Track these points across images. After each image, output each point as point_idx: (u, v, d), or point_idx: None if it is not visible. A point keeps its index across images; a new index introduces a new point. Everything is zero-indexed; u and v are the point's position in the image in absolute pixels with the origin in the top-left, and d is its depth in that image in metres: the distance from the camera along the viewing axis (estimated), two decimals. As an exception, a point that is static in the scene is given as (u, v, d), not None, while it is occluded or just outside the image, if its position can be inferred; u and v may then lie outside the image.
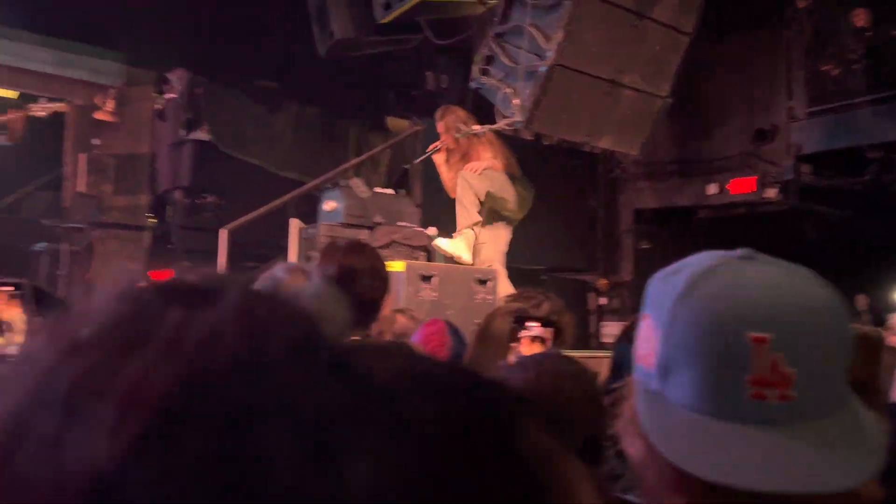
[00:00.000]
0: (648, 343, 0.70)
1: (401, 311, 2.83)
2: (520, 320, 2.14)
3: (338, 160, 7.49)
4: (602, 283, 7.99)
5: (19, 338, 1.58)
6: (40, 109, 5.14)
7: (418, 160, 5.42)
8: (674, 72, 5.05)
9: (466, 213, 4.83)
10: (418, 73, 7.07)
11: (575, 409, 1.21)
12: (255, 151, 7.26)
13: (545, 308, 2.40)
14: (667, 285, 0.70)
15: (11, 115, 4.77)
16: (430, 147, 5.11)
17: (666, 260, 0.74)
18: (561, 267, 7.85)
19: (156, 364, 0.28)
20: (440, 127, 5.00)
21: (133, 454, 0.26)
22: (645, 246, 7.91)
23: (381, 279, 2.12)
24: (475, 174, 4.82)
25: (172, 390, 0.28)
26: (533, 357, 1.70)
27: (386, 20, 5.32)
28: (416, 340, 2.60)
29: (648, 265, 5.72)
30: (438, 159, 5.13)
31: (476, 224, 4.86)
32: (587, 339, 7.22)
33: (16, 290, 1.56)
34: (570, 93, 4.66)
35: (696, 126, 7.48)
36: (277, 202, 6.39)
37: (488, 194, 4.82)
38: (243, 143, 7.19)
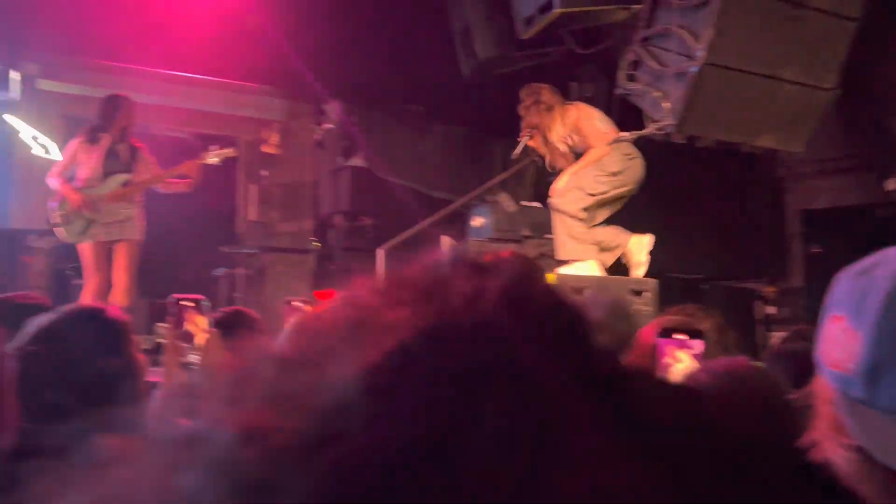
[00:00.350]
0: (843, 346, 0.64)
1: None
2: (666, 332, 2.04)
3: (484, 177, 7.61)
4: (769, 290, 7.48)
5: (200, 344, 1.75)
6: (213, 156, 5.68)
7: (517, 151, 5.25)
8: (840, 61, 4.68)
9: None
10: (562, 84, 7.03)
11: (778, 420, 1.15)
12: (407, 173, 7.54)
13: (703, 324, 2.30)
14: (863, 283, 0.64)
15: (188, 165, 5.31)
16: (521, 136, 4.98)
17: (841, 263, 0.70)
18: (722, 275, 7.44)
19: (418, 309, 0.33)
20: (523, 105, 4.91)
21: (368, 380, 0.31)
22: (816, 249, 7.33)
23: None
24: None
25: (417, 334, 0.32)
26: (725, 367, 1.60)
27: (528, 35, 5.35)
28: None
29: (821, 270, 5.31)
30: (535, 142, 4.98)
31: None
32: (755, 349, 6.80)
33: (196, 304, 1.74)
34: (725, 92, 4.45)
35: (869, 117, 6.86)
36: (428, 221, 6.60)
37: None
38: (395, 165, 7.49)
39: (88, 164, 5.11)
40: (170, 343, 1.76)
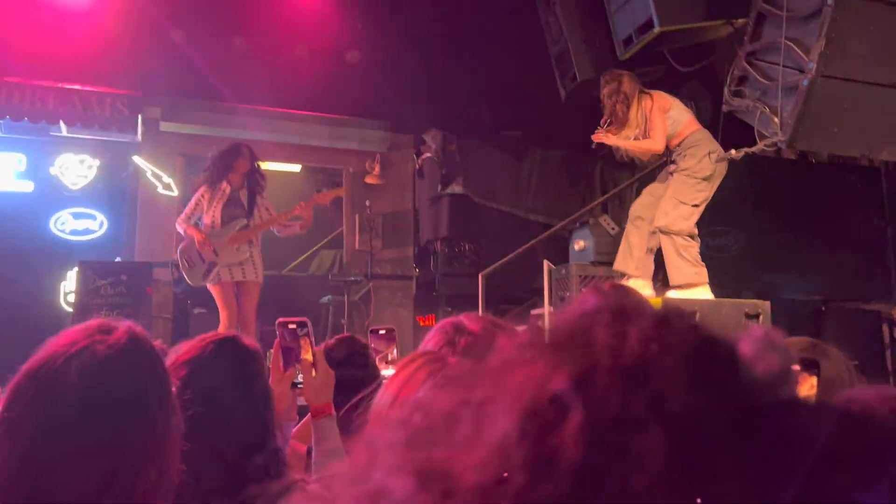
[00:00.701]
0: None
1: None
2: None
3: (584, 199, 7.54)
4: (898, 312, 6.99)
5: (306, 365, 1.83)
6: (323, 198, 5.93)
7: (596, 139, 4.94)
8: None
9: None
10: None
11: None
12: (505, 199, 7.57)
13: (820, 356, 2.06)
14: None
15: (301, 207, 5.55)
16: (600, 129, 4.78)
17: None
18: (843, 296, 6.99)
19: (566, 358, 0.35)
20: (603, 93, 4.77)
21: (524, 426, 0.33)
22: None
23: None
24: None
25: (569, 384, 0.34)
26: (878, 397, 1.37)
27: (627, 56, 5.30)
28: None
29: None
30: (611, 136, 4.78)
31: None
32: (884, 375, 6.35)
33: (299, 327, 1.82)
34: (839, 104, 4.24)
35: None
36: (528, 245, 6.58)
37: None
38: (493, 191, 7.54)
39: (211, 211, 5.45)
40: (275, 364, 1.84)
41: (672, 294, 4.52)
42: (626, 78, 4.77)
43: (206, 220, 5.43)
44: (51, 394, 0.98)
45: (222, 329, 5.15)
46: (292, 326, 1.79)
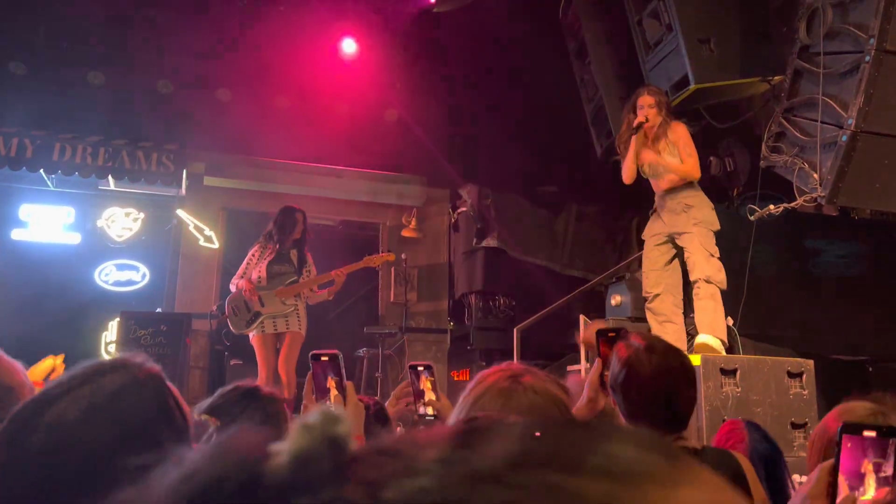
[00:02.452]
0: None
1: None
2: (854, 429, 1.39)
3: (620, 254, 7.50)
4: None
5: (335, 397, 1.86)
6: (374, 261, 6.03)
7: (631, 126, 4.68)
8: None
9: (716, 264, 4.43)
10: (701, 159, 6.89)
11: None
12: (540, 252, 7.57)
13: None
14: None
15: (337, 272, 5.71)
16: (638, 120, 4.50)
17: None
18: (892, 356, 6.75)
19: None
20: (650, 101, 4.49)
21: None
22: None
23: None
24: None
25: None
26: None
27: (662, 113, 5.31)
28: (715, 438, 2.44)
29: None
30: (638, 135, 4.55)
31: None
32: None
33: (331, 360, 1.86)
34: (880, 159, 4.19)
35: None
36: (564, 300, 6.54)
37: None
38: (529, 245, 7.55)
39: (258, 267, 5.70)
40: (307, 394, 1.87)
41: (700, 343, 4.37)
42: (667, 99, 4.66)
43: (253, 275, 5.67)
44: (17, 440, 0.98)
45: (260, 382, 5.19)
46: (324, 359, 1.83)
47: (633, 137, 4.54)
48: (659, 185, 4.63)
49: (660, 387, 1.86)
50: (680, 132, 4.49)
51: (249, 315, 5.59)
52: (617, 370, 1.92)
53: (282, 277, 5.65)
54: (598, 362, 2.04)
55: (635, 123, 4.50)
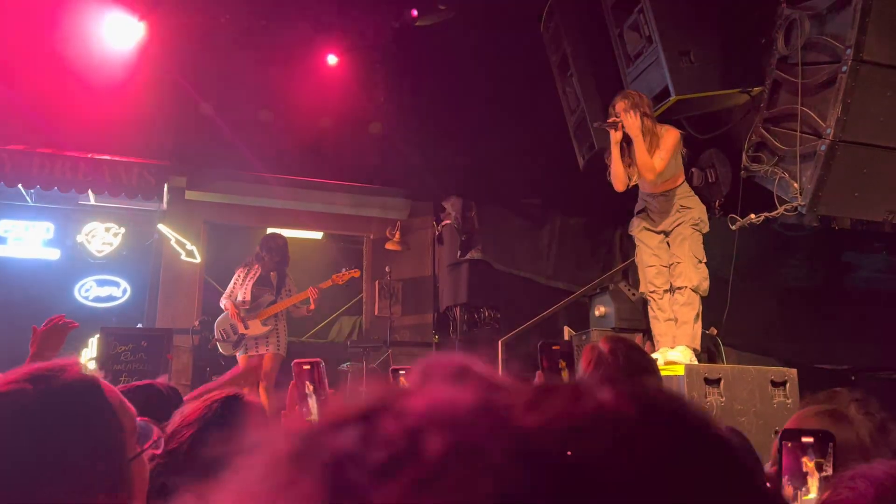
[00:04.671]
0: None
1: None
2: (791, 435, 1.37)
3: (604, 266, 7.51)
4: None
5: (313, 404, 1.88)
6: (340, 279, 6.57)
7: (598, 124, 4.85)
8: None
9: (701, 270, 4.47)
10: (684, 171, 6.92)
11: None
12: (525, 265, 7.56)
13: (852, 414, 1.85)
14: None
15: (312, 290, 6.20)
16: (610, 121, 4.53)
17: None
18: (876, 365, 6.77)
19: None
20: (623, 105, 4.48)
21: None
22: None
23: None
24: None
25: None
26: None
27: (643, 124, 5.33)
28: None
29: None
30: (614, 138, 4.55)
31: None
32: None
33: (311, 367, 1.89)
34: (859, 168, 4.23)
35: None
36: (548, 312, 6.54)
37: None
38: (513, 258, 7.54)
39: (243, 288, 6.20)
40: (289, 402, 1.87)
41: (673, 355, 4.36)
42: (648, 101, 4.63)
43: (240, 297, 6.17)
44: None
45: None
46: (307, 367, 1.83)
47: (613, 145, 4.56)
48: (655, 188, 4.66)
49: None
50: (668, 136, 4.52)
51: (236, 337, 6.09)
52: (585, 374, 1.94)
53: (262, 299, 6.14)
54: (538, 376, 2.02)
55: (608, 123, 4.54)
